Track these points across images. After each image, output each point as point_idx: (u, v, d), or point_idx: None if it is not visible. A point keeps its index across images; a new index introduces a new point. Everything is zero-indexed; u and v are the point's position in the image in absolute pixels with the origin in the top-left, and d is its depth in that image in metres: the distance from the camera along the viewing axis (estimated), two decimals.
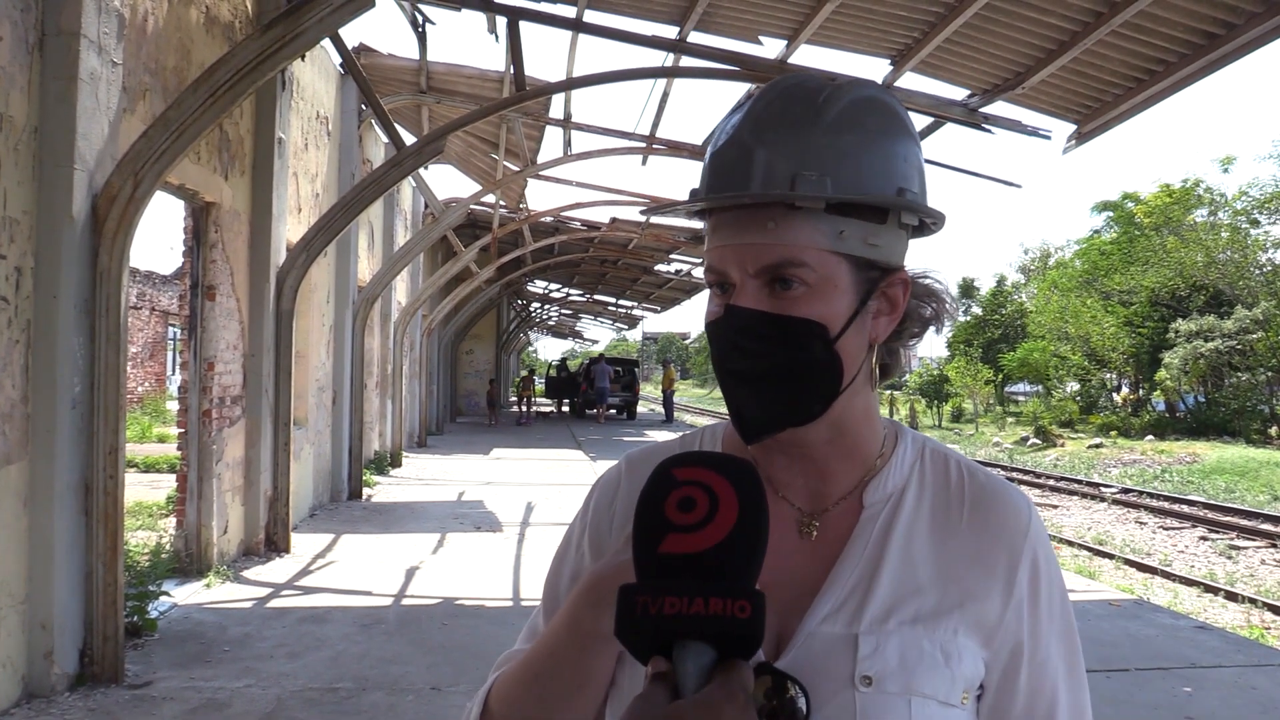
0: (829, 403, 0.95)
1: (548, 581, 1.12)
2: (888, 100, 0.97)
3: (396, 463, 15.98)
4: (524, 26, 8.15)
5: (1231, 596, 10.13)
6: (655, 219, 17.93)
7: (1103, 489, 18.29)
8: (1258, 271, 29.85)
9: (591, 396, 32.18)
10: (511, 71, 8.98)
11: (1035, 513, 1.01)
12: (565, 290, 35.86)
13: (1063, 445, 27.11)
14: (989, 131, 8.14)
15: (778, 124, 0.92)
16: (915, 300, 1.02)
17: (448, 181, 47.76)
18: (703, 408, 52.62)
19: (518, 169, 13.66)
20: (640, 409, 37.81)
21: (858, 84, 0.96)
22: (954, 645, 0.93)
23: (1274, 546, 12.98)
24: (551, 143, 41.24)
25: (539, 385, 37.85)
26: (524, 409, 30.87)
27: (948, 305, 1.04)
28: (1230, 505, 16.08)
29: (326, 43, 9.36)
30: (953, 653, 0.93)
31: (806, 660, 0.91)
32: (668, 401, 33.93)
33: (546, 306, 42.74)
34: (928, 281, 1.03)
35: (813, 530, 0.99)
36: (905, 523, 0.99)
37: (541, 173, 13.83)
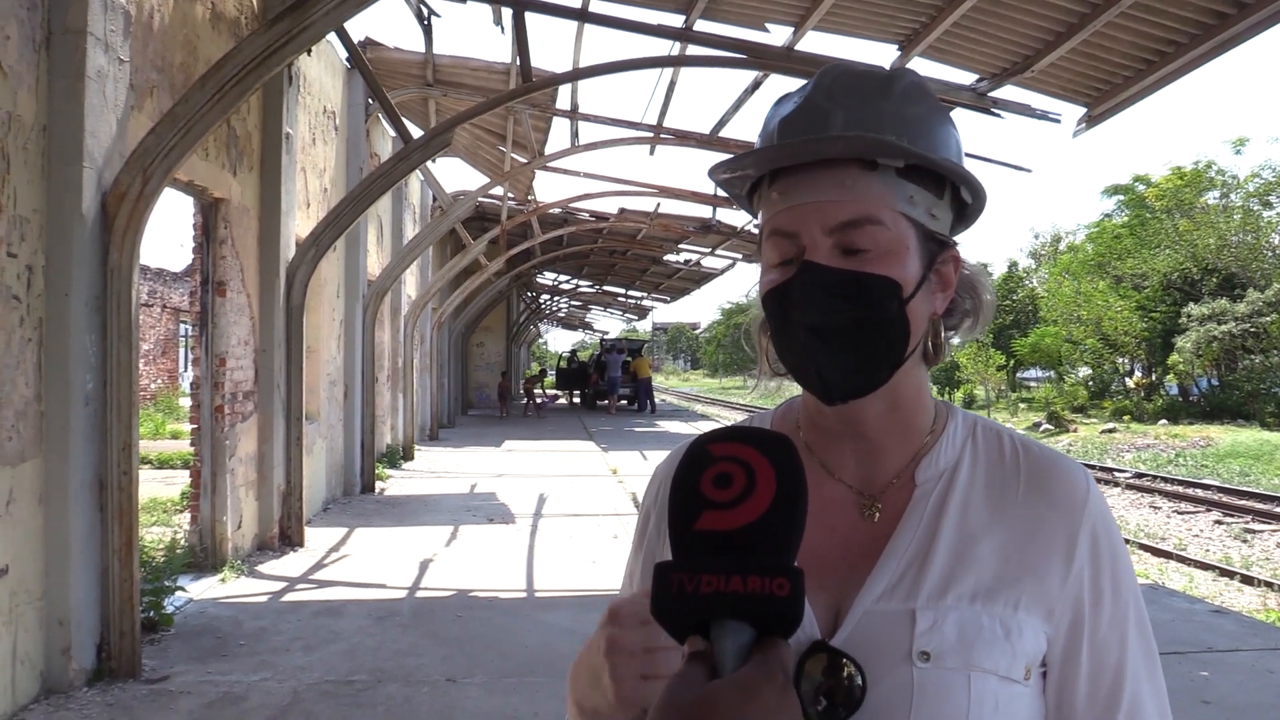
0: (895, 368, 0.96)
1: (627, 566, 1.15)
2: (930, 90, 1.01)
3: (408, 456, 16.03)
4: (529, 18, 8.14)
5: (1247, 580, 10.09)
6: (664, 208, 17.90)
7: (1116, 474, 18.23)
8: (1270, 254, 29.67)
9: (603, 387, 32.04)
10: (518, 63, 8.96)
11: (1094, 485, 0.99)
12: (574, 282, 35.83)
13: (1075, 431, 27.01)
14: (998, 116, 8.08)
15: (850, 92, 0.95)
16: (957, 292, 1.02)
17: (456, 174, 47.78)
18: (713, 397, 52.64)
19: (525, 161, 13.65)
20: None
21: (909, 71, 1.00)
22: (1014, 620, 0.92)
23: None
24: (559, 134, 41.17)
25: (549, 377, 37.86)
26: (533, 402, 30.90)
27: (985, 301, 1.04)
28: (1245, 489, 16.01)
29: (332, 37, 9.36)
30: (1013, 627, 0.91)
31: (862, 637, 0.91)
32: (644, 390, 32.97)
33: (556, 298, 42.73)
34: (969, 273, 1.03)
35: (875, 512, 0.99)
36: (960, 498, 0.98)
37: (549, 164, 13.83)
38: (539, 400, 31.12)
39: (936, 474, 0.99)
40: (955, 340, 1.05)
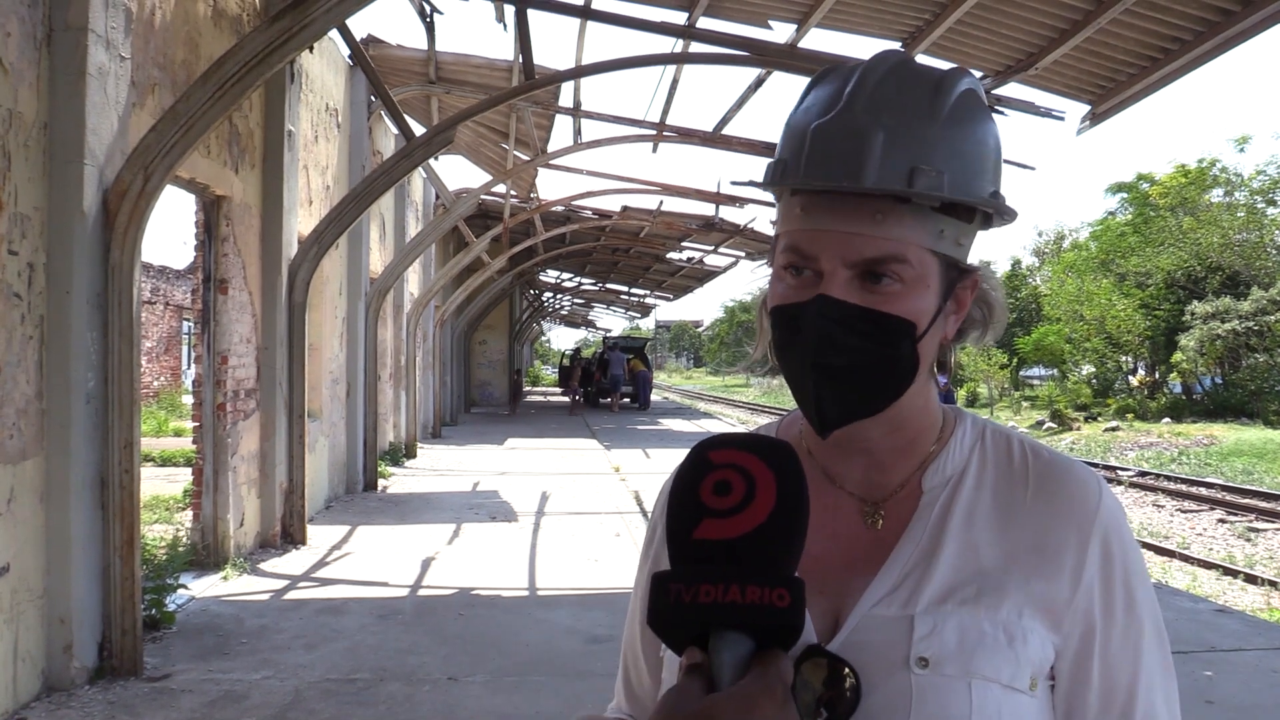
0: (897, 398, 0.93)
1: (636, 579, 1.12)
2: (982, 93, 0.96)
3: (411, 454, 16.02)
4: (532, 14, 8.12)
5: (1251, 579, 10.06)
6: (667, 206, 17.88)
7: (1120, 472, 18.19)
8: (1274, 251, 29.59)
9: (605, 385, 32.09)
10: (520, 60, 8.95)
11: (1107, 491, 0.96)
12: (577, 279, 35.81)
13: (1079, 429, 26.96)
14: (1002, 113, 8.06)
15: (894, 107, 0.89)
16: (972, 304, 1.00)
17: (458, 172, 47.81)
18: (716, 395, 52.61)
19: (528, 158, 13.63)
20: (654, 397, 37.66)
21: (960, 73, 0.94)
22: (1018, 627, 0.89)
23: None
24: (561, 131, 41.12)
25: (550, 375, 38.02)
26: (576, 397, 31.24)
27: (997, 314, 1.01)
28: (1249, 487, 15.97)
29: (334, 34, 9.35)
30: (1017, 635, 0.88)
31: (860, 642, 0.89)
32: (641, 386, 33.36)
33: (559, 296, 42.72)
34: (984, 288, 1.00)
35: (878, 520, 0.97)
36: (965, 504, 0.95)
37: (552, 162, 13.81)
38: (577, 396, 31.48)
39: (943, 480, 0.97)
40: (963, 346, 1.03)
